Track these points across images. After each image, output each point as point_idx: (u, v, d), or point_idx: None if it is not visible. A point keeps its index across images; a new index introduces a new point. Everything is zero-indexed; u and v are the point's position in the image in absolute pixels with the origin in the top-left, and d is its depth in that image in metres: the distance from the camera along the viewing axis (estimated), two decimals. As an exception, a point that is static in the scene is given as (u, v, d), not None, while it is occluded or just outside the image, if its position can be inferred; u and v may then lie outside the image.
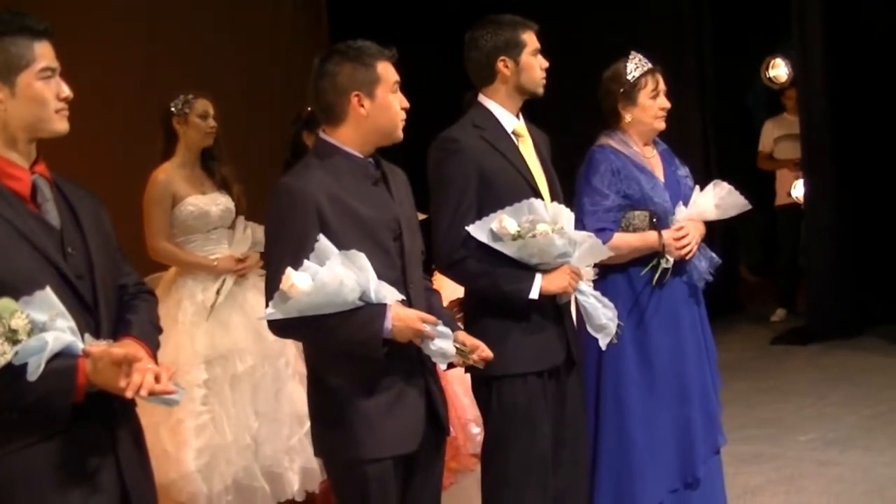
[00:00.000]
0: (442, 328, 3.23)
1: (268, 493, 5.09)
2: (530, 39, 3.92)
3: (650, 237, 4.23)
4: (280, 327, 3.18)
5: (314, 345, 3.31)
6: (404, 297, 3.22)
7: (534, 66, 3.91)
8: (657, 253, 4.23)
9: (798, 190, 9.17)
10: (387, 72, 3.30)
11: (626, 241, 4.21)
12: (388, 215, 3.30)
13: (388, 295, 3.16)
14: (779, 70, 9.70)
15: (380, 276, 3.15)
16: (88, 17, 6.93)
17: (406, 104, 3.34)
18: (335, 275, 3.04)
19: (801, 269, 9.36)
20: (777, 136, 9.44)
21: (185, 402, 4.89)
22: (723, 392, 4.53)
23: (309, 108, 5.50)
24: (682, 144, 5.17)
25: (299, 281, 3.02)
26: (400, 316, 3.15)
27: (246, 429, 5.06)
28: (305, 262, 3.07)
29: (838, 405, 6.82)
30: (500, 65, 3.88)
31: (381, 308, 3.13)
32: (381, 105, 3.28)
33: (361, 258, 3.11)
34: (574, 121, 4.43)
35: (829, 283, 8.72)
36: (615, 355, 4.18)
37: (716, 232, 4.72)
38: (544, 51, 3.96)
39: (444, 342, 3.23)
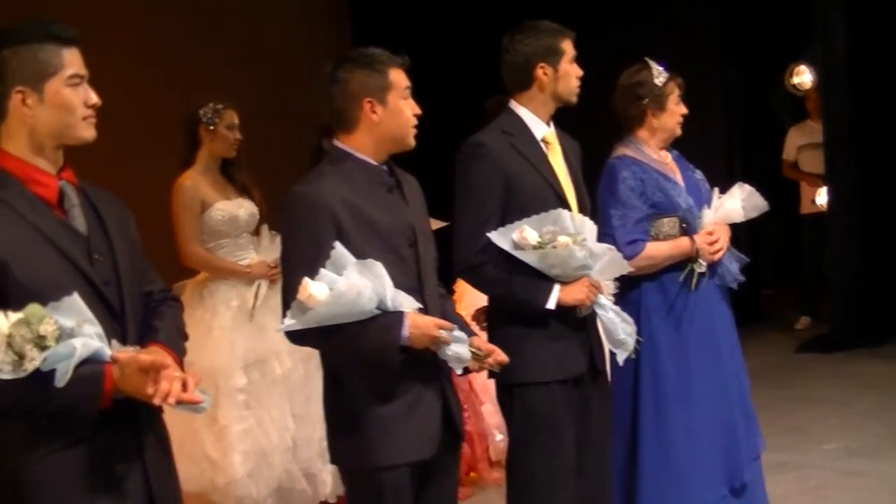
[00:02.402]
0: (458, 333, 3.23)
1: (308, 495, 5.12)
2: (569, 47, 3.91)
3: (683, 243, 4.24)
4: (297, 336, 3.18)
5: (331, 352, 3.31)
6: (421, 306, 3.23)
7: (570, 75, 3.90)
8: (689, 258, 4.24)
9: (823, 198, 9.13)
10: (398, 78, 3.30)
11: (660, 249, 4.22)
12: (403, 222, 3.30)
13: (405, 303, 3.16)
14: (803, 77, 9.67)
15: (396, 284, 3.15)
16: (111, 25, 6.96)
17: (418, 111, 3.34)
18: (352, 284, 3.04)
19: (825, 277, 9.31)
20: (801, 144, 9.40)
21: (229, 407, 4.94)
22: (747, 400, 4.51)
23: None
24: (705, 151, 5.18)
25: (316, 291, 3.02)
26: (417, 323, 3.16)
27: (286, 431, 5.09)
28: (322, 270, 3.07)
29: (863, 414, 6.78)
30: (539, 71, 3.87)
31: (398, 316, 3.14)
32: (393, 111, 3.28)
33: (378, 267, 3.11)
34: (591, 129, 4.43)
35: (853, 292, 8.68)
36: (652, 362, 4.19)
37: (740, 239, 4.72)
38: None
39: (459, 347, 3.23)
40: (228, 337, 5.06)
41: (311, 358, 5.12)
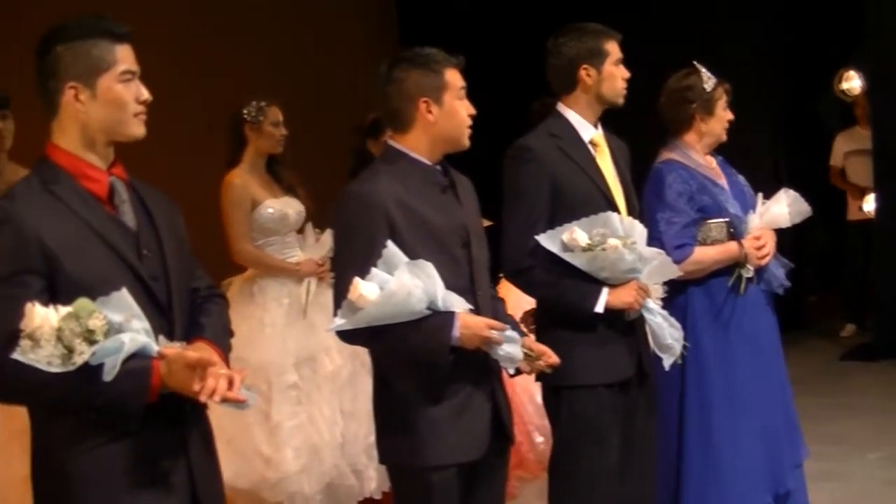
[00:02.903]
0: (510, 333, 3.22)
1: (355, 491, 5.14)
2: (613, 49, 3.89)
3: (731, 248, 4.22)
4: (348, 335, 3.18)
5: (382, 352, 3.31)
6: (472, 307, 3.22)
7: (615, 76, 3.88)
8: (736, 263, 4.23)
9: (870, 205, 9.04)
10: (454, 78, 3.30)
11: (708, 254, 4.21)
12: (457, 222, 3.30)
13: (456, 303, 3.16)
14: (852, 83, 9.57)
15: (447, 284, 3.15)
16: (160, 22, 7.00)
17: (472, 111, 3.34)
18: (403, 284, 3.04)
19: (870, 285, 9.22)
20: (848, 151, 9.31)
21: (281, 403, 4.98)
22: (791, 408, 4.48)
23: (372, 116, 5.54)
24: (751, 156, 5.15)
25: (367, 291, 3.02)
26: (468, 323, 3.15)
27: (336, 427, 5.11)
28: (373, 270, 3.07)
29: (907, 423, 6.72)
30: (582, 73, 3.86)
31: (449, 316, 3.13)
32: (448, 111, 3.28)
33: (429, 267, 3.10)
34: (643, 130, 4.41)
35: (898, 299, 8.59)
36: (698, 367, 4.17)
37: (785, 244, 4.69)
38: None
39: (511, 347, 3.22)
40: (281, 334, 5.09)
41: (358, 355, 5.14)
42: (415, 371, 3.21)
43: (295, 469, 4.97)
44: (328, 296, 5.12)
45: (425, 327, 3.11)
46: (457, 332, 3.13)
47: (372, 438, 5.05)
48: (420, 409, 3.21)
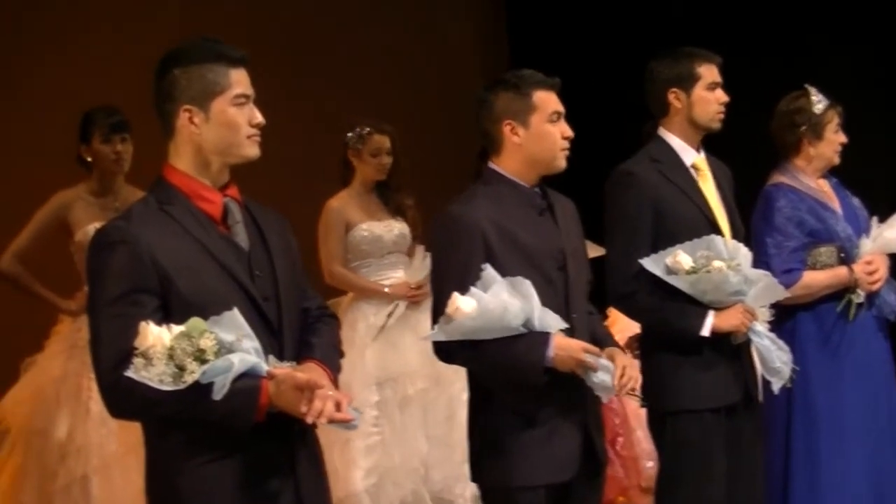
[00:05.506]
0: (604, 361, 3.20)
1: None
2: (708, 72, 3.86)
3: (841, 273, 4.16)
4: (444, 351, 3.23)
5: (477, 370, 3.33)
6: (567, 325, 3.21)
7: (708, 101, 3.85)
8: (847, 288, 4.16)
9: None
10: (545, 101, 3.30)
11: (817, 279, 4.16)
12: (553, 245, 3.31)
13: (552, 323, 3.16)
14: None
15: (542, 305, 3.15)
16: (269, 50, 7.10)
17: (569, 133, 3.33)
18: (500, 301, 3.07)
19: None
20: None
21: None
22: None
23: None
24: (867, 179, 5.04)
25: (464, 305, 3.06)
26: (563, 345, 3.15)
27: (415, 452, 5.11)
28: (472, 289, 3.09)
29: None
30: (672, 97, 3.85)
31: (543, 336, 3.14)
32: (536, 134, 3.29)
33: (527, 285, 3.12)
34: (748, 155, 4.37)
35: None
36: (805, 394, 4.12)
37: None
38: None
39: (606, 375, 3.20)
40: (361, 352, 5.10)
41: (454, 381, 5.12)
42: (509, 391, 3.23)
43: (361, 489, 4.97)
44: (418, 319, 5.19)
45: (519, 346, 3.12)
46: (551, 352, 3.13)
47: (466, 468, 5.08)
48: (512, 429, 3.24)
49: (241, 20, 6.73)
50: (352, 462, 4.98)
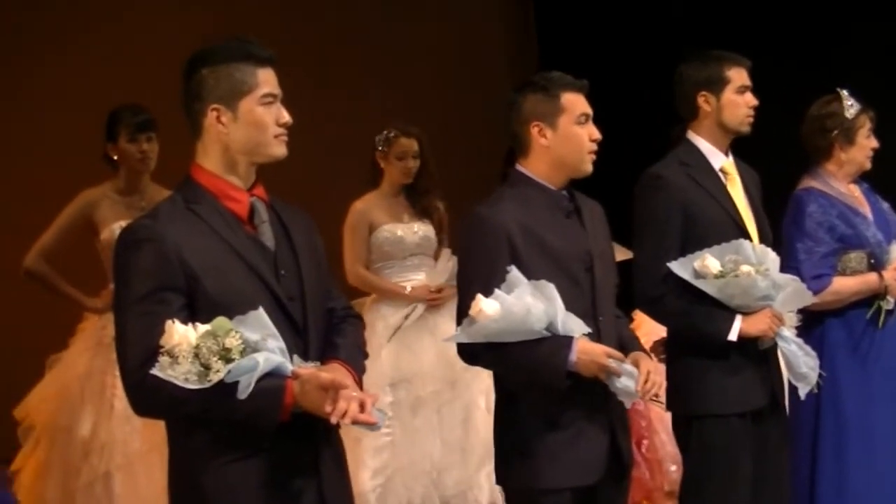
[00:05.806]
0: (628, 367, 3.18)
1: None
2: (737, 76, 3.84)
3: (871, 279, 4.14)
4: (468, 353, 3.23)
5: (500, 372, 3.33)
6: (592, 331, 3.20)
7: (737, 104, 3.83)
8: (876, 295, 4.14)
9: None
10: (573, 103, 3.30)
11: (847, 285, 4.14)
12: (580, 247, 3.30)
13: (576, 328, 3.15)
14: None
15: (569, 308, 3.15)
16: (302, 52, 7.12)
17: (597, 136, 3.32)
18: (523, 303, 3.06)
19: None
20: None
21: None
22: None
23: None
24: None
25: (487, 307, 3.05)
26: (586, 349, 3.14)
27: (427, 455, 5.10)
28: (496, 291, 3.09)
29: None
30: (701, 100, 3.84)
31: (566, 340, 3.13)
32: (563, 136, 3.28)
33: (550, 289, 3.12)
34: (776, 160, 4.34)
35: None
36: (834, 401, 4.10)
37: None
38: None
39: (629, 381, 3.18)
40: (377, 353, 5.10)
41: (471, 385, 5.11)
42: (533, 394, 3.22)
43: (369, 489, 4.96)
44: (436, 322, 5.18)
45: (542, 349, 3.11)
46: (574, 356, 3.12)
47: (482, 474, 5.05)
48: (537, 432, 3.23)
49: (255, 22, 6.71)
50: (360, 462, 4.98)
